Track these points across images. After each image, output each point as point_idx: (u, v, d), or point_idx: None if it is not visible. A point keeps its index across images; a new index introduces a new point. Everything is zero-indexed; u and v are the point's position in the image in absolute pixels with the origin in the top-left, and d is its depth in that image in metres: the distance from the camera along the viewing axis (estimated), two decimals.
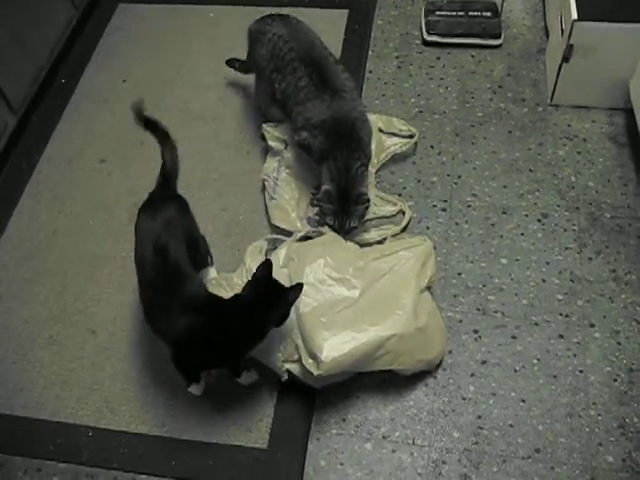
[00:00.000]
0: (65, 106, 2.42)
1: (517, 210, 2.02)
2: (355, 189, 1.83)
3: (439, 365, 1.74)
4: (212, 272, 1.84)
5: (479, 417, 1.66)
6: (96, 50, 2.60)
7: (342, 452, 1.63)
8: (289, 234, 1.90)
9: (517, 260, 1.92)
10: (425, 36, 2.49)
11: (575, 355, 1.73)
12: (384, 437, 1.64)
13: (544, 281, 1.87)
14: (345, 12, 2.61)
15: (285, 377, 1.65)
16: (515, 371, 1.72)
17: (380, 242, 1.92)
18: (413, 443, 1.63)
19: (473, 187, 2.08)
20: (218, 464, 1.62)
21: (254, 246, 1.84)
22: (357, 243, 1.86)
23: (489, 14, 2.50)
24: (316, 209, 1.98)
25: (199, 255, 1.75)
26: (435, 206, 2.05)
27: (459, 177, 2.11)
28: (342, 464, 1.61)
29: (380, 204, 2.02)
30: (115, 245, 2.02)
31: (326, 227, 1.88)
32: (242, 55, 2.25)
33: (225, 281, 1.76)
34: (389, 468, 1.60)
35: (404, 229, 1.98)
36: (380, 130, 2.15)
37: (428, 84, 2.38)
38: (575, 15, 2.02)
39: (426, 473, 1.59)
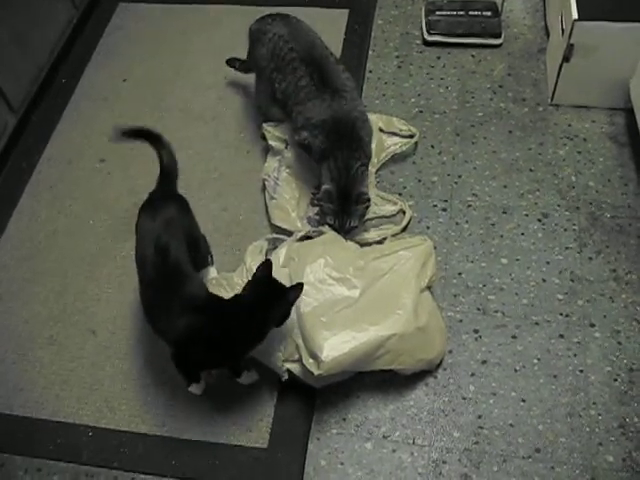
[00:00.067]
0: (65, 106, 2.42)
1: (517, 210, 2.02)
2: (355, 189, 1.83)
3: (439, 365, 1.74)
4: (212, 272, 1.84)
5: (479, 417, 1.66)
6: (96, 50, 2.60)
7: (342, 452, 1.63)
8: (289, 234, 1.90)
9: (517, 260, 1.92)
10: (425, 36, 2.48)
11: (575, 355, 1.73)
12: (384, 437, 1.64)
13: (544, 281, 1.87)
14: (345, 12, 2.61)
15: (285, 377, 1.65)
16: (515, 371, 1.72)
17: (380, 242, 1.91)
18: (413, 443, 1.63)
19: (473, 187, 2.08)
20: (218, 464, 1.62)
21: (254, 246, 1.84)
22: (357, 243, 1.86)
23: (489, 14, 2.50)
24: (316, 209, 1.98)
25: (199, 255, 1.75)
26: (435, 206, 2.05)
27: (459, 177, 2.11)
28: (342, 464, 1.61)
29: (380, 204, 2.02)
30: (115, 245, 2.02)
31: (326, 227, 1.88)
32: (242, 55, 2.25)
33: (225, 281, 1.76)
34: (389, 468, 1.60)
35: (404, 229, 1.98)
36: (380, 130, 2.15)
37: (428, 84, 2.37)
38: (576, 15, 2.02)
39: (426, 473, 1.58)
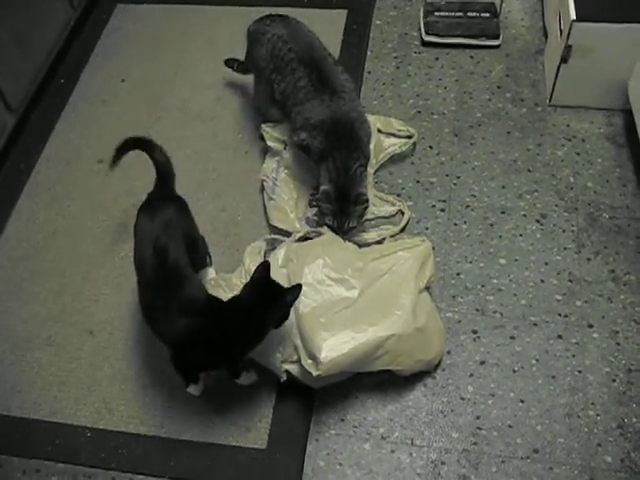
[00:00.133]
0: (64, 106, 2.42)
1: (516, 210, 2.03)
2: (354, 189, 1.83)
3: (438, 365, 1.73)
4: (211, 272, 1.84)
5: (478, 417, 1.66)
6: (94, 51, 2.60)
7: (341, 452, 1.63)
8: (288, 234, 1.90)
9: (516, 260, 1.92)
10: (424, 36, 2.49)
11: (574, 355, 1.74)
12: (383, 437, 1.64)
13: (543, 281, 1.87)
14: (344, 12, 2.61)
15: (284, 378, 1.65)
16: (514, 371, 1.72)
17: (379, 242, 1.91)
18: (412, 443, 1.63)
19: (472, 187, 2.09)
20: (217, 464, 1.62)
21: (253, 247, 1.84)
22: (356, 243, 1.86)
23: (488, 15, 2.50)
24: (315, 209, 1.98)
25: (198, 256, 1.75)
26: (434, 206, 2.05)
27: (458, 177, 2.11)
28: (341, 464, 1.61)
29: (379, 204, 2.02)
30: (113, 246, 2.02)
31: (325, 227, 1.88)
32: (241, 55, 2.25)
33: (224, 281, 1.76)
34: (388, 468, 1.60)
35: (403, 229, 1.98)
36: (379, 131, 2.15)
37: (427, 85, 2.38)
38: (574, 16, 2.03)
39: (425, 473, 1.58)
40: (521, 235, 1.97)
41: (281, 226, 1.96)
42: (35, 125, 2.37)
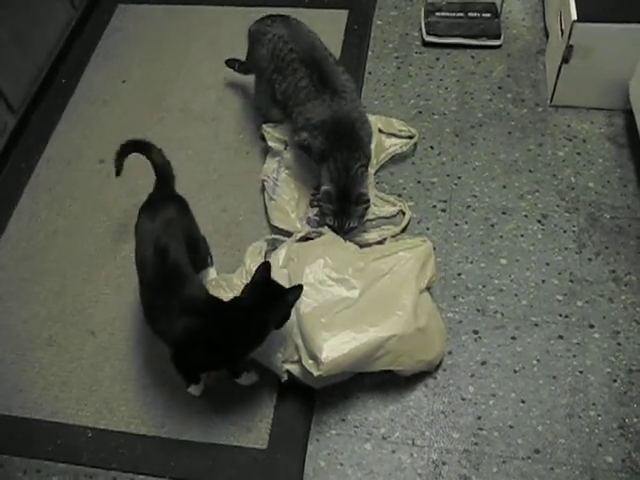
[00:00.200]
0: (65, 106, 2.42)
1: (517, 211, 2.02)
2: (355, 189, 1.83)
3: (439, 366, 1.73)
4: (212, 273, 1.84)
5: (479, 418, 1.65)
6: (95, 51, 2.60)
7: (342, 453, 1.63)
8: (289, 235, 1.90)
9: (517, 261, 1.92)
10: (425, 37, 2.49)
11: (575, 356, 1.73)
12: (384, 438, 1.64)
13: (544, 282, 1.87)
14: (345, 12, 2.61)
15: (285, 378, 1.65)
16: (515, 372, 1.72)
17: (380, 242, 1.91)
18: (413, 444, 1.63)
19: (473, 188, 2.09)
20: (217, 465, 1.62)
21: (254, 247, 1.84)
22: (357, 243, 1.86)
23: (488, 15, 2.50)
24: (316, 210, 1.98)
25: (199, 256, 1.75)
26: (435, 207, 2.05)
27: (459, 178, 2.11)
28: (342, 464, 1.61)
29: (380, 204, 2.02)
30: (114, 246, 2.02)
31: (326, 227, 1.88)
32: (242, 56, 2.25)
33: (225, 282, 1.76)
34: (389, 469, 1.60)
35: (404, 229, 1.98)
36: (380, 131, 2.15)
37: (428, 85, 2.38)
38: (575, 16, 2.02)
39: (426, 474, 1.58)
40: (522, 235, 1.97)
41: (282, 226, 1.96)
42: (36, 125, 2.37)
